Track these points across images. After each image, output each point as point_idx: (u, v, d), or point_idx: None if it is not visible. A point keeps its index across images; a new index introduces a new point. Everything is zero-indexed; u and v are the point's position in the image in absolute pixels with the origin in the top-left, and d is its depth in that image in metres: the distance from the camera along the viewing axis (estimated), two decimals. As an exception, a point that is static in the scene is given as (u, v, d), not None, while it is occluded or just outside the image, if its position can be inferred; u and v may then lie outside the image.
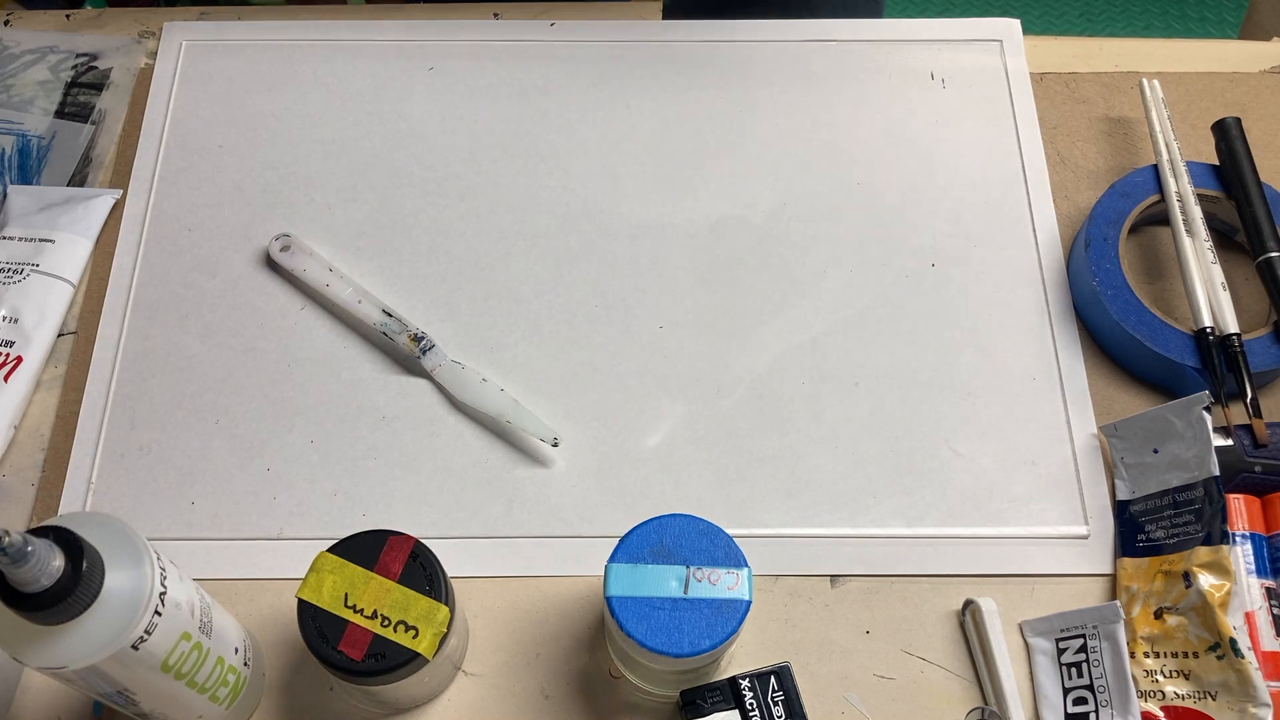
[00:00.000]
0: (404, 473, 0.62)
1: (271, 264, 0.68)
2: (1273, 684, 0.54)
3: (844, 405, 0.64)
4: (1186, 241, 0.65)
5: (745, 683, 0.53)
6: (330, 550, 0.52)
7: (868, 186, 0.71)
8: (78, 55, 0.76)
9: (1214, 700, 0.54)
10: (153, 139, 0.72)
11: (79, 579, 0.42)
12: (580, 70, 0.75)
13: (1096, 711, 0.55)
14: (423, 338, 0.65)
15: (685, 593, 0.49)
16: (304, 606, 0.50)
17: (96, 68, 0.75)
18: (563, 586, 0.60)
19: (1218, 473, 0.56)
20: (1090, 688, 0.55)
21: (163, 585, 0.46)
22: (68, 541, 0.42)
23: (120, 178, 0.71)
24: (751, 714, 0.52)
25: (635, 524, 0.51)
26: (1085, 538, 0.61)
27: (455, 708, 0.57)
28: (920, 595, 0.60)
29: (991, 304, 0.67)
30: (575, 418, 0.64)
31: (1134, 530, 0.60)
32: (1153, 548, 0.58)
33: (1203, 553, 0.55)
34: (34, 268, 0.66)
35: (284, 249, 0.68)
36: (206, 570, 0.60)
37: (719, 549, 0.50)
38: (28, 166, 0.72)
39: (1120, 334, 0.64)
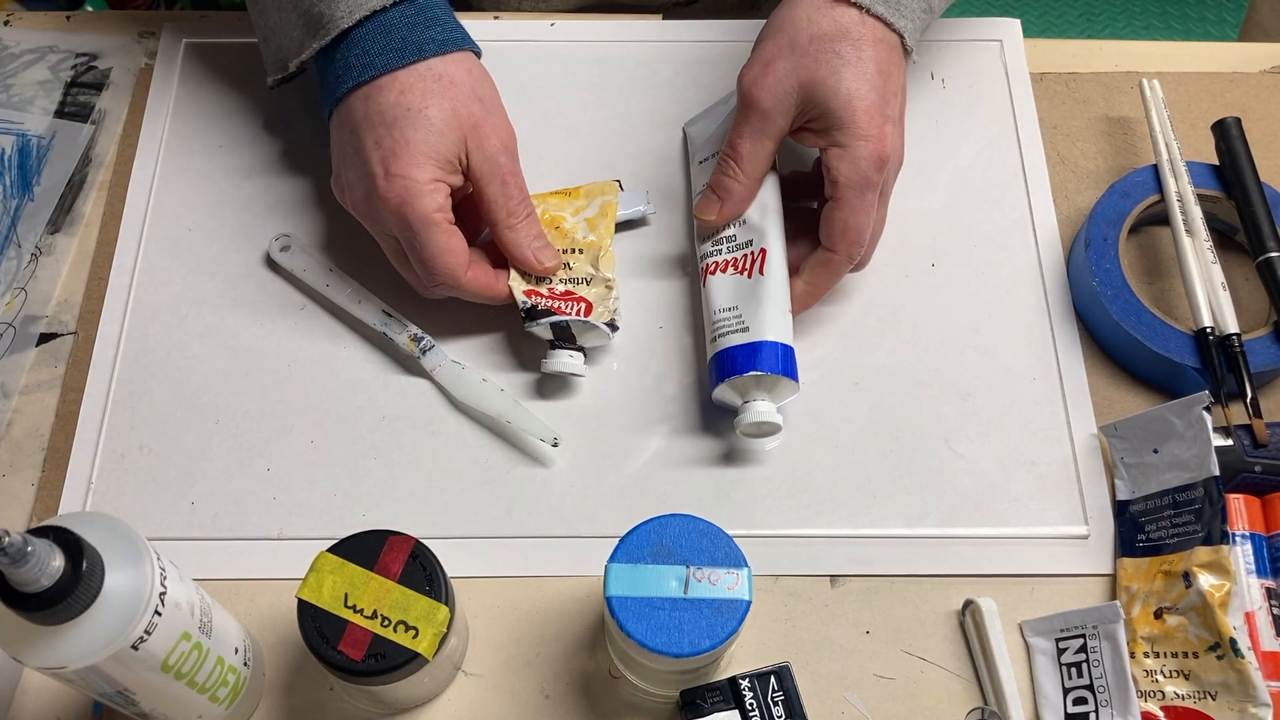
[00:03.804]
0: (404, 473, 0.62)
1: (271, 264, 0.68)
2: (1273, 684, 0.54)
3: (844, 405, 0.64)
4: (1186, 241, 0.65)
5: (745, 683, 0.53)
6: (330, 550, 0.52)
7: (868, 186, 0.71)
8: (78, 55, 0.76)
9: (1214, 700, 0.54)
10: (153, 139, 0.72)
11: (79, 579, 0.42)
12: (580, 70, 0.75)
13: (1096, 711, 0.55)
14: (423, 338, 0.65)
15: (685, 593, 0.49)
16: (304, 606, 0.50)
17: (96, 68, 0.75)
18: (563, 586, 0.60)
19: (1218, 473, 0.56)
20: (1090, 688, 0.55)
21: (163, 585, 0.46)
22: (68, 541, 0.42)
23: (120, 178, 0.71)
24: (751, 714, 0.52)
25: (635, 524, 0.51)
26: (1085, 538, 0.61)
27: (455, 708, 0.57)
28: (920, 595, 0.60)
29: (991, 304, 0.67)
30: (575, 418, 0.64)
31: (1134, 530, 0.60)
32: (1153, 548, 0.58)
33: (1203, 553, 0.55)
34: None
35: (284, 249, 0.68)
36: (206, 570, 0.60)
37: (719, 549, 0.50)
38: (28, 166, 0.72)
39: (1120, 334, 0.64)
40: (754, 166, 0.62)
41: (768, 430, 0.61)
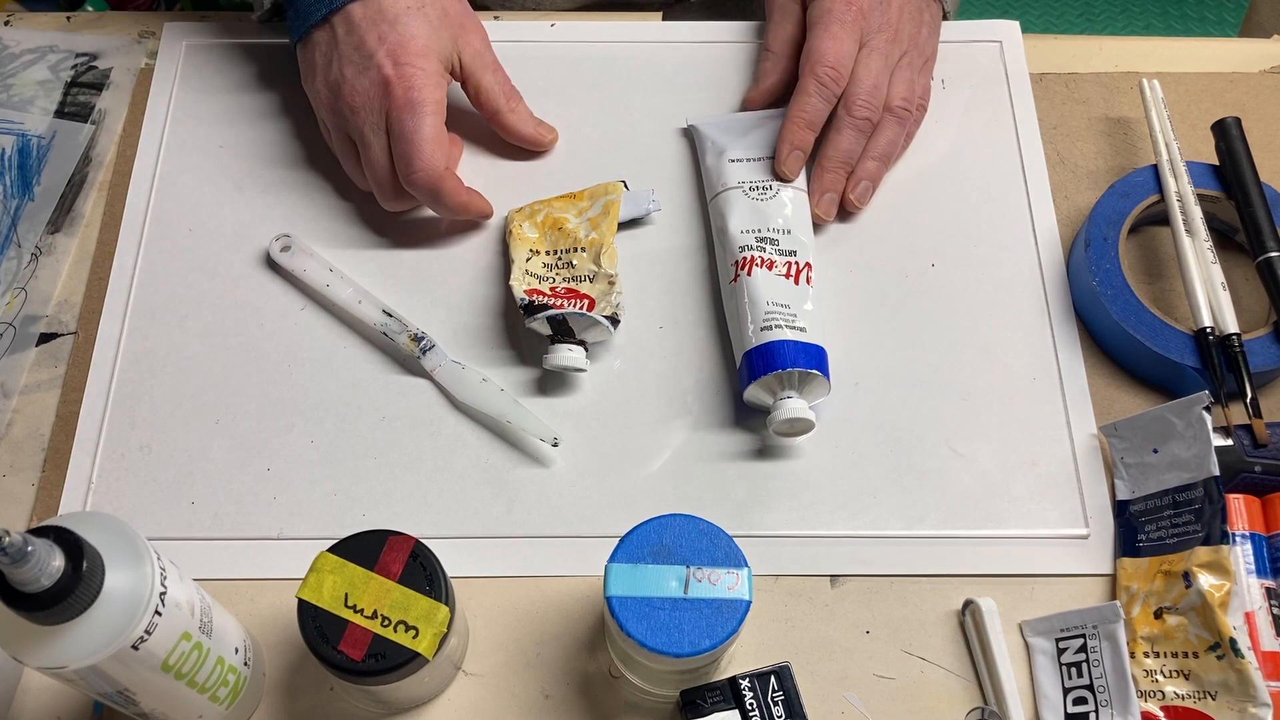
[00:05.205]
0: (404, 473, 0.62)
1: (271, 264, 0.68)
2: (1273, 684, 0.54)
3: (844, 405, 0.64)
4: (1186, 241, 0.65)
5: (745, 683, 0.53)
6: (330, 550, 0.52)
7: (868, 186, 0.71)
8: (78, 55, 0.76)
9: (1214, 700, 0.54)
10: (153, 139, 0.72)
11: (79, 579, 0.42)
12: (580, 70, 0.75)
13: (1096, 711, 0.55)
14: (423, 338, 0.65)
15: (685, 593, 0.49)
16: (304, 606, 0.50)
17: (96, 67, 0.75)
18: (563, 586, 0.60)
19: (1218, 473, 0.56)
20: (1090, 688, 0.55)
21: (163, 585, 0.46)
22: (68, 541, 0.42)
23: (120, 178, 0.71)
24: (751, 714, 0.52)
25: (635, 524, 0.51)
26: (1085, 538, 0.61)
27: (455, 708, 0.57)
28: (920, 595, 0.60)
29: (991, 304, 0.67)
30: (575, 418, 0.64)
31: (1134, 530, 0.60)
32: (1153, 548, 0.58)
33: (1203, 553, 0.55)
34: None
35: (284, 249, 0.68)
36: (206, 570, 0.60)
37: (719, 549, 0.50)
38: (28, 166, 0.72)
39: (1120, 334, 0.64)
40: (777, 42, 0.70)
41: (801, 428, 0.61)
